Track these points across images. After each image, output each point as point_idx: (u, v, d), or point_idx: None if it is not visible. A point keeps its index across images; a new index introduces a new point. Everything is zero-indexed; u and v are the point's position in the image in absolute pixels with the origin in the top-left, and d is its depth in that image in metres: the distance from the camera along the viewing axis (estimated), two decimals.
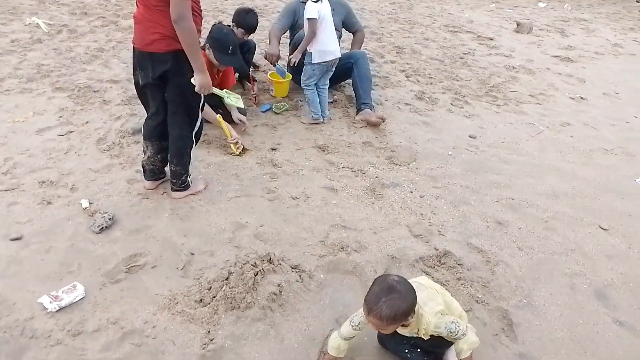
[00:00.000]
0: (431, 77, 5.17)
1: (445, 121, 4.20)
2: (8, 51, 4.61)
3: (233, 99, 3.24)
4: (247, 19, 3.89)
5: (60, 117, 3.61)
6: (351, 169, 3.34)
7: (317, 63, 3.71)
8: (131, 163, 3.14)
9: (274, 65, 4.16)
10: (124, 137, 3.41)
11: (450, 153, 3.66)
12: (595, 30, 8.05)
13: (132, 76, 2.62)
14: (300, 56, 3.70)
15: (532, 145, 3.88)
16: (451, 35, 6.93)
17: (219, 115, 3.35)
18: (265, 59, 4.15)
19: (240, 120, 3.57)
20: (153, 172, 2.85)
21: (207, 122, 3.39)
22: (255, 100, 4.12)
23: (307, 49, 3.67)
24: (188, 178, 2.83)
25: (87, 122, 3.57)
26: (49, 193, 2.79)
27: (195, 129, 2.72)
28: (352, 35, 4.59)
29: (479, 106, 4.56)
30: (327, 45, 3.70)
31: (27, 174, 2.94)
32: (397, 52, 5.90)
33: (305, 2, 3.65)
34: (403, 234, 2.71)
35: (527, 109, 4.56)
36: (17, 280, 2.19)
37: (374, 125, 3.91)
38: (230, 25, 4.03)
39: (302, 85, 3.86)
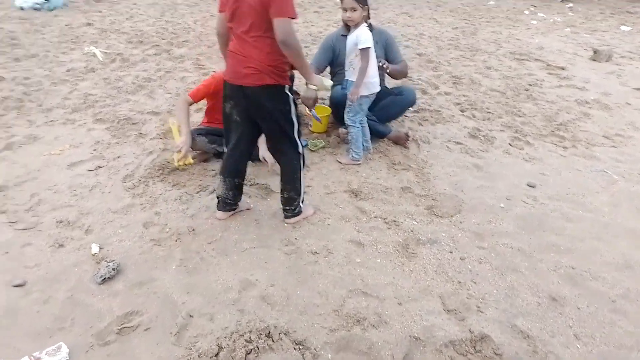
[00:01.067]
0: (489, 112, 4.72)
1: (501, 165, 3.75)
2: (62, 80, 4.78)
3: (326, 83, 3.17)
4: None
5: (94, 150, 3.60)
6: (384, 219, 3.01)
7: (366, 96, 3.45)
8: (152, 203, 3.02)
9: (310, 111, 3.90)
10: (151, 175, 3.31)
11: (502, 205, 3.22)
12: None
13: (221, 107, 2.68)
14: (359, 92, 3.38)
15: (602, 199, 3.34)
16: (517, 63, 6.40)
17: (172, 121, 3.28)
18: (302, 103, 3.90)
19: (264, 159, 3.37)
20: (226, 204, 2.86)
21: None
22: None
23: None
24: (300, 204, 2.83)
25: (118, 157, 3.53)
26: (64, 235, 2.71)
27: (301, 152, 2.75)
28: None
29: (542, 148, 4.06)
30: (374, 76, 3.44)
31: (48, 212, 2.90)
32: (453, 83, 5.50)
33: (346, 35, 3.42)
34: (434, 308, 2.33)
35: (599, 153, 3.99)
36: (7, 335, 2.08)
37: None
38: None
39: (347, 122, 3.58)
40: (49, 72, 4.97)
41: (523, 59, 6.59)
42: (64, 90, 4.59)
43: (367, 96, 3.45)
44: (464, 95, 5.14)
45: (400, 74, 3.98)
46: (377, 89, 3.50)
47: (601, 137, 4.30)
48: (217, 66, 5.53)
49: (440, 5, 9.90)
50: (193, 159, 3.45)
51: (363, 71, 3.29)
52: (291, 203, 2.81)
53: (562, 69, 6.23)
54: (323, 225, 2.92)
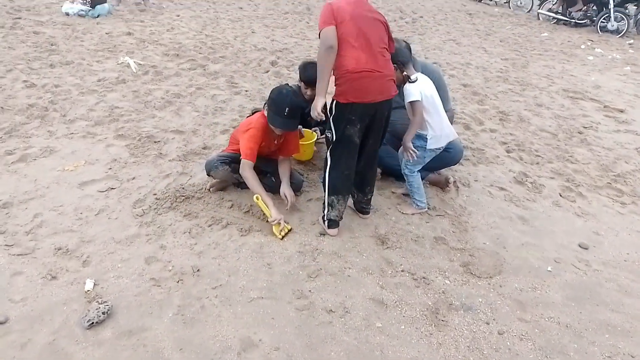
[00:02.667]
0: (538, 155, 4.30)
1: (550, 219, 3.33)
2: (90, 91, 4.66)
3: None
4: (305, 71, 3.44)
5: (109, 169, 3.41)
6: (412, 274, 2.66)
7: (433, 149, 3.10)
8: (159, 235, 2.78)
9: None
10: (163, 202, 3.07)
11: (550, 269, 2.81)
12: None
13: (340, 132, 2.69)
14: (409, 144, 3.02)
15: None
16: (571, 102, 5.93)
17: (256, 195, 2.89)
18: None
19: (284, 195, 3.08)
20: (338, 222, 2.93)
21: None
22: None
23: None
24: None
25: (133, 178, 3.32)
26: (59, 265, 2.49)
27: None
28: None
29: (596, 202, 3.61)
30: (443, 128, 3.08)
31: (48, 237, 2.69)
32: (500, 119, 5.09)
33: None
34: None
35: None
36: None
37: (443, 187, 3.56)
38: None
39: (405, 172, 3.20)
40: (79, 81, 4.88)
41: (577, 98, 6.10)
42: (91, 100, 4.46)
43: (433, 150, 3.11)
44: (510, 134, 4.73)
45: None
46: (450, 138, 3.16)
47: None
48: (249, 85, 5.34)
49: (490, 34, 9.48)
50: (211, 187, 3.21)
51: (416, 124, 2.97)
52: (370, 201, 3.07)
53: (621, 111, 5.72)
54: (342, 277, 2.59)
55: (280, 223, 2.83)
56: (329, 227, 2.91)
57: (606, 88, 6.69)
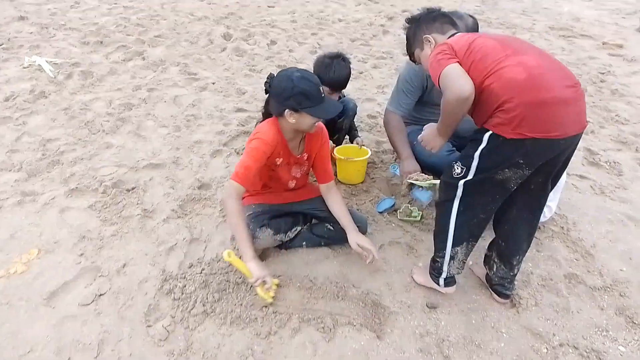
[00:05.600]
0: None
1: None
2: (1, 118, 3.24)
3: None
4: (328, 74, 2.55)
5: (81, 255, 2.25)
6: (576, 348, 1.93)
7: None
8: None
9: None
10: (189, 304, 2.02)
11: None
12: None
13: (493, 173, 1.73)
14: None
15: None
16: (566, 42, 5.38)
17: (227, 251, 1.94)
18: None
19: (359, 246, 2.17)
20: (455, 279, 2.12)
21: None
22: None
23: None
24: None
25: (123, 266, 2.20)
26: None
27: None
28: None
29: None
30: None
31: None
32: None
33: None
34: None
35: None
36: None
37: None
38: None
39: None
40: None
41: (569, 36, 5.57)
42: (8, 135, 3.07)
43: None
44: None
45: None
46: None
47: None
48: (211, 72, 4.13)
49: None
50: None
51: None
52: (515, 277, 2.10)
53: (620, 47, 5.27)
54: None
55: (266, 281, 1.97)
56: (446, 285, 2.09)
57: (585, 19, 6.25)
